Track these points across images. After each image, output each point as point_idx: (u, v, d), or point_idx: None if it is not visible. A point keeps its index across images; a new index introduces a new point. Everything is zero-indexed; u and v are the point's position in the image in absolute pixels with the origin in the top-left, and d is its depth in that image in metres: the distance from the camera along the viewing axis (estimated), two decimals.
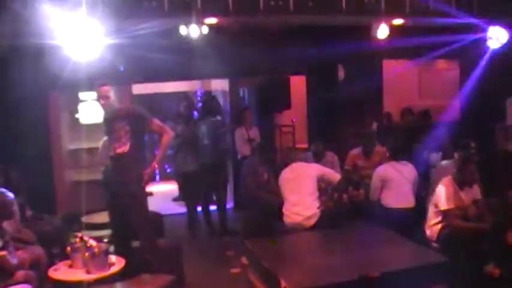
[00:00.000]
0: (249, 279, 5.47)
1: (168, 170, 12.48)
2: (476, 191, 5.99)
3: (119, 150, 5.53)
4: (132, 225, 5.56)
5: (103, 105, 5.69)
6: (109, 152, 5.67)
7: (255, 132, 9.28)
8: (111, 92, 5.68)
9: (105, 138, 7.57)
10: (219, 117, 8.68)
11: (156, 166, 5.68)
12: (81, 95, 9.10)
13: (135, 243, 5.72)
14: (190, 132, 8.49)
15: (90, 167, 8.97)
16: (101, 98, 5.65)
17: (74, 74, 7.83)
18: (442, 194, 5.84)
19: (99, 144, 8.47)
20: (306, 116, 10.88)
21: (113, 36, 7.54)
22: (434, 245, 5.77)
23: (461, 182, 5.88)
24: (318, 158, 7.91)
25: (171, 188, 11.39)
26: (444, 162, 6.98)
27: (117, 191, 5.52)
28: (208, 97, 9.53)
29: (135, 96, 9.38)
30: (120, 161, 5.53)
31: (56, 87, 8.44)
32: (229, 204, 10.08)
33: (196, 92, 12.45)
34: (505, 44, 9.28)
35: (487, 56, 9.88)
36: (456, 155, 6.74)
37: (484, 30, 9.30)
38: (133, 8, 7.24)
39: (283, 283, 4.40)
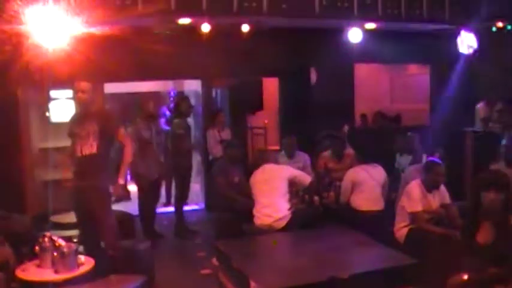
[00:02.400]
0: (220, 280, 5.47)
1: None
2: (445, 195, 6.07)
3: (86, 152, 5.49)
4: (97, 225, 5.54)
5: (78, 99, 5.65)
6: (75, 153, 5.59)
7: (227, 134, 9.28)
8: (89, 89, 5.63)
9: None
10: (189, 119, 8.67)
11: (122, 182, 5.59)
12: (52, 93, 9.01)
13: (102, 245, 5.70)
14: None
15: (60, 166, 8.87)
16: (79, 91, 5.61)
17: (44, 71, 7.78)
18: (409, 197, 5.92)
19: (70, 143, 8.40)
20: (278, 118, 10.92)
21: (85, 34, 7.51)
22: (403, 247, 5.83)
23: (429, 185, 5.96)
24: (290, 153, 7.96)
25: None
26: (413, 166, 7.06)
27: (82, 191, 5.49)
28: (180, 98, 9.51)
29: (107, 95, 9.31)
30: (87, 161, 5.50)
31: (26, 84, 8.35)
32: (201, 206, 10.09)
33: (169, 92, 12.41)
34: (475, 50, 9.44)
35: (457, 61, 10.04)
36: (424, 158, 6.84)
37: (455, 36, 9.45)
38: (106, 5, 7.20)
39: (252, 284, 4.41)
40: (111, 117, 5.69)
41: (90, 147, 5.49)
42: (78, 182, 5.57)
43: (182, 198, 8.46)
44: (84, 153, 5.51)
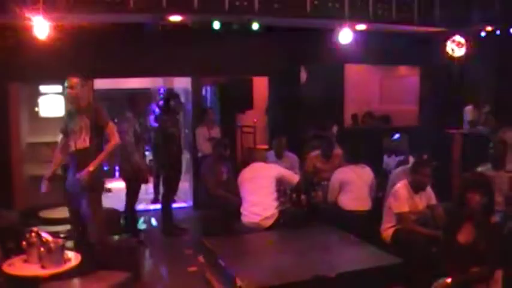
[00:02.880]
0: (206, 278, 5.49)
1: None
2: (431, 196, 6.11)
3: (80, 146, 5.52)
4: (85, 219, 5.55)
5: (69, 94, 5.66)
6: (69, 148, 5.63)
7: (216, 132, 9.30)
8: (79, 85, 5.64)
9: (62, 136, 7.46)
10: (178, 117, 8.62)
11: (91, 170, 5.48)
12: (42, 88, 9.00)
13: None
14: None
15: (48, 162, 8.83)
16: (69, 87, 5.62)
17: (34, 66, 7.78)
18: (396, 198, 5.96)
19: (59, 138, 8.37)
20: (268, 117, 10.94)
21: (75, 29, 7.52)
22: (389, 247, 5.87)
23: (415, 186, 6.00)
24: (279, 154, 7.99)
25: None
26: (401, 167, 7.10)
27: (75, 185, 5.49)
28: (170, 94, 9.50)
29: (96, 91, 9.28)
30: (81, 155, 5.52)
31: (16, 79, 8.34)
32: (189, 203, 10.09)
33: (159, 89, 12.40)
34: (464, 53, 9.51)
35: (447, 63, 10.09)
36: (411, 160, 6.89)
37: (445, 39, 9.51)
38: (97, 1, 7.20)
39: (238, 282, 4.43)
40: (101, 111, 5.69)
41: (83, 142, 5.52)
42: (72, 177, 5.57)
43: (170, 195, 8.44)
44: (77, 148, 5.54)
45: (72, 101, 5.70)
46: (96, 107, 5.73)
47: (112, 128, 5.69)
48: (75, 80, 5.64)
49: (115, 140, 5.66)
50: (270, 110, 10.72)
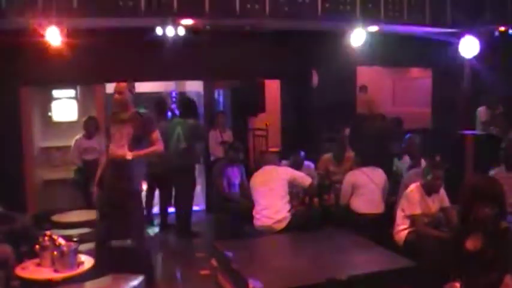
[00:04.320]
0: (218, 281, 5.49)
1: None
2: (444, 198, 6.07)
3: (119, 152, 5.49)
4: (127, 223, 5.62)
5: (115, 100, 5.67)
6: (108, 154, 5.64)
7: (228, 135, 9.31)
8: (126, 90, 5.62)
9: (78, 137, 7.51)
10: (192, 120, 8.55)
11: (131, 154, 5.47)
12: (55, 93, 9.05)
13: (115, 243, 5.76)
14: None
15: (61, 166, 8.91)
16: (118, 92, 5.63)
17: (47, 70, 7.82)
18: (409, 200, 5.93)
19: (71, 142, 8.42)
20: (280, 120, 10.93)
21: (87, 34, 7.55)
22: (402, 250, 5.84)
23: (428, 189, 5.96)
24: (299, 167, 7.95)
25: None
26: (413, 170, 7.06)
27: (114, 190, 5.54)
28: (186, 98, 9.50)
29: (109, 95, 9.33)
30: (119, 163, 5.51)
31: (28, 83, 8.39)
32: (201, 207, 10.10)
33: (171, 93, 12.43)
34: (477, 54, 9.44)
35: (459, 65, 10.03)
36: (424, 162, 6.84)
37: (458, 40, 9.45)
38: (108, 6, 7.23)
39: (251, 285, 4.43)
40: (148, 121, 5.67)
41: (122, 149, 5.50)
42: (112, 182, 5.62)
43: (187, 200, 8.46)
44: (115, 155, 5.54)
45: (120, 107, 5.66)
46: (144, 117, 5.65)
47: (157, 136, 5.68)
48: (122, 85, 5.63)
49: (159, 146, 5.67)
50: (282, 112, 10.71)
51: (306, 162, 8.05)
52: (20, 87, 8.44)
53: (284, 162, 7.79)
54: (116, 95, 5.64)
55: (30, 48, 7.62)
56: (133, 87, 5.75)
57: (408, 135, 7.92)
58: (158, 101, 9.06)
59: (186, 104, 8.66)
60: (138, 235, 5.74)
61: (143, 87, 10.71)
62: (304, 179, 6.83)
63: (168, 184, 8.53)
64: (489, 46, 9.40)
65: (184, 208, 8.29)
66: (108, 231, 5.72)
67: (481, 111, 9.89)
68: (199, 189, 10.31)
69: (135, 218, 5.68)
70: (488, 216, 3.93)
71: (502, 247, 3.92)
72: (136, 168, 5.61)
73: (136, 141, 5.54)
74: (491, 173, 6.45)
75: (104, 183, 5.74)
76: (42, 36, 7.09)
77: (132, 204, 5.59)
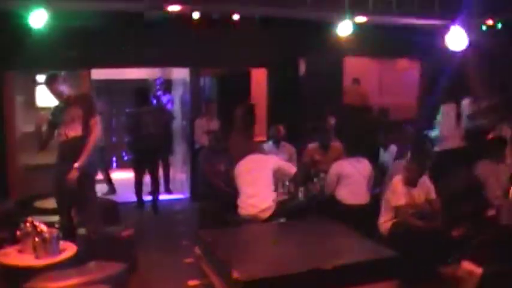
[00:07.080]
0: (202, 269, 5.45)
1: (126, 158, 12.27)
2: (430, 189, 6.08)
3: (72, 134, 5.54)
4: (79, 209, 5.59)
5: (49, 91, 5.78)
6: (60, 137, 5.66)
7: (215, 124, 9.28)
8: (56, 81, 5.72)
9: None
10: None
11: (77, 166, 5.48)
12: (39, 77, 8.93)
13: (82, 231, 5.71)
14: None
15: (44, 151, 8.79)
16: (45, 84, 5.78)
17: (30, 55, 7.71)
18: (393, 191, 5.94)
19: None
20: (266, 109, 10.89)
21: (73, 18, 7.45)
22: (387, 240, 5.85)
23: (413, 180, 5.97)
24: (276, 142, 7.99)
25: (128, 176, 11.23)
26: (399, 160, 7.07)
27: (67, 173, 5.46)
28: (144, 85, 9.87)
29: (94, 81, 9.25)
30: (73, 143, 5.54)
31: (12, 68, 8.29)
32: (185, 195, 10.06)
33: (156, 80, 12.32)
34: (465, 45, 9.44)
35: (447, 56, 10.03)
36: (409, 153, 6.84)
37: (446, 31, 9.43)
38: None
39: (235, 273, 4.39)
40: (92, 102, 5.76)
41: (75, 130, 5.54)
42: (63, 165, 5.54)
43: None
44: (69, 136, 5.55)
45: (54, 97, 5.79)
46: (89, 99, 5.78)
47: (97, 121, 5.69)
48: (48, 77, 5.75)
49: (94, 133, 5.64)
50: (269, 101, 10.67)
51: (288, 144, 8.09)
52: (4, 71, 8.33)
53: (265, 145, 7.83)
54: (46, 87, 5.78)
55: (14, 32, 7.52)
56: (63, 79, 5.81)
57: (403, 126, 7.95)
58: (139, 90, 9.16)
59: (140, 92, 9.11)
60: (93, 224, 5.67)
61: (128, 73, 10.66)
62: (289, 167, 6.81)
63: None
64: (477, 38, 9.40)
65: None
66: (69, 219, 5.72)
67: (466, 104, 9.88)
68: (184, 177, 10.30)
69: (88, 204, 5.65)
70: (469, 212, 3.97)
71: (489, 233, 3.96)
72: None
73: (87, 121, 5.59)
74: (478, 165, 6.47)
75: (56, 168, 5.75)
76: (26, 20, 6.99)
77: (83, 188, 5.53)
